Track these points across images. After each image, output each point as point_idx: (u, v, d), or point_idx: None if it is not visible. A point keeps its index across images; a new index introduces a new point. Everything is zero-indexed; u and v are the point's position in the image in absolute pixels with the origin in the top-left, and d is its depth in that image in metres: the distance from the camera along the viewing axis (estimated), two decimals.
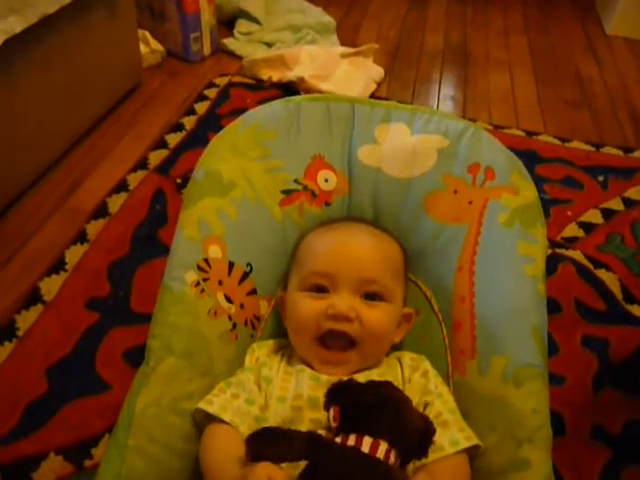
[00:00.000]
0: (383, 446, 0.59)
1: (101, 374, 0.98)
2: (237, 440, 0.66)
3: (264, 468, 0.56)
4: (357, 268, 0.76)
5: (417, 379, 0.75)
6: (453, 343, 0.84)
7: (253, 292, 0.84)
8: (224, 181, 0.84)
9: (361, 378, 0.69)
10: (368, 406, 0.61)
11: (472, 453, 0.69)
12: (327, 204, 0.92)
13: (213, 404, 0.69)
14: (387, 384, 0.66)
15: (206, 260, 0.79)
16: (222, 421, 0.68)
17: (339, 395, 0.64)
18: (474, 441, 0.69)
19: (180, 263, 0.78)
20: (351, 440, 0.59)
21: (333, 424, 0.61)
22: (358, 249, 0.79)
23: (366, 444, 0.59)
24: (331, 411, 0.62)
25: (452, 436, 0.68)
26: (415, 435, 0.62)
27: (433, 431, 0.62)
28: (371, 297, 0.76)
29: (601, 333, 1.13)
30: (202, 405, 0.69)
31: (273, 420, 0.70)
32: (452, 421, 0.70)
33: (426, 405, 0.72)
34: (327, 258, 0.78)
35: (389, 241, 0.84)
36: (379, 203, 0.92)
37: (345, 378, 0.68)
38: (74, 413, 0.93)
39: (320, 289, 0.76)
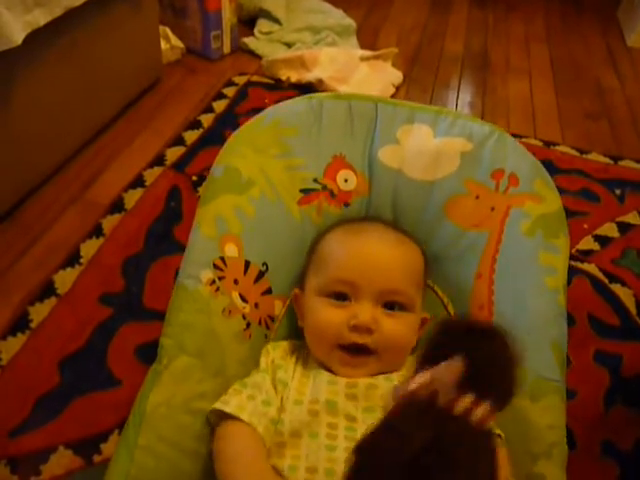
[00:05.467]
0: (492, 414, 0.51)
1: (112, 369, 0.98)
2: (258, 439, 0.65)
3: None
4: (381, 278, 0.75)
5: None
6: None
7: (268, 291, 0.83)
8: (243, 178, 0.84)
9: (381, 381, 0.68)
10: (501, 366, 0.52)
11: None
12: (346, 205, 0.91)
13: (229, 404, 0.69)
14: (506, 339, 0.55)
15: (222, 258, 0.78)
16: (239, 420, 0.67)
17: (465, 342, 0.53)
18: (497, 430, 0.68)
19: (196, 261, 0.77)
20: (465, 402, 0.50)
21: (453, 383, 0.51)
22: (383, 258, 0.77)
23: (479, 412, 0.50)
24: (456, 363, 0.51)
25: None
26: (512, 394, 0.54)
27: None
28: (392, 307, 0.75)
29: (614, 349, 1.12)
30: (218, 405, 0.69)
31: (289, 422, 0.69)
32: None
33: None
34: (350, 265, 0.76)
35: (413, 248, 0.83)
36: (399, 205, 0.91)
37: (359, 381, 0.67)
38: (84, 407, 0.93)
39: (341, 296, 0.75)
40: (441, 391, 0.50)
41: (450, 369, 0.51)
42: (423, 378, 0.51)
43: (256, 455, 0.65)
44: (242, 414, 0.67)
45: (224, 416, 0.68)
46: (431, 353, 0.55)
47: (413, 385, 0.51)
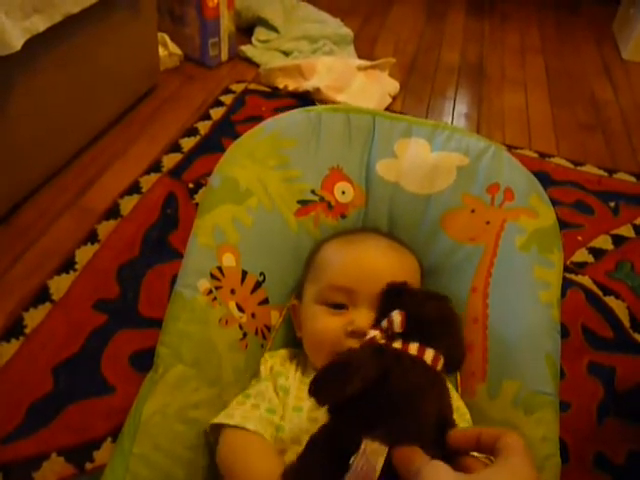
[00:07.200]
0: (441, 360, 0.57)
1: (106, 376, 0.98)
2: (269, 446, 0.66)
3: None
4: (377, 284, 0.73)
5: None
6: (464, 365, 0.82)
7: (265, 302, 0.84)
8: (241, 189, 0.84)
9: None
10: (436, 316, 0.59)
11: None
12: (343, 216, 0.91)
13: (234, 417, 0.68)
14: (445, 297, 0.64)
15: (220, 268, 0.78)
16: (245, 430, 0.66)
17: (400, 299, 0.61)
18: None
19: (193, 270, 0.77)
20: (412, 349, 0.57)
21: (398, 330, 0.58)
22: (379, 264, 0.78)
23: (428, 355, 0.56)
24: (396, 316, 0.59)
25: None
26: (461, 351, 0.62)
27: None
28: None
29: (607, 361, 1.12)
30: (223, 419, 0.68)
31: (289, 429, 0.68)
32: None
33: None
34: (346, 273, 0.76)
35: (408, 256, 0.83)
36: (395, 218, 0.91)
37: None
38: (78, 414, 0.93)
39: (338, 304, 0.75)
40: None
41: (391, 320, 0.59)
42: (375, 330, 0.60)
43: (272, 461, 0.65)
44: (247, 424, 0.67)
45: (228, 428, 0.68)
46: (381, 313, 0.63)
47: (370, 334, 0.60)
